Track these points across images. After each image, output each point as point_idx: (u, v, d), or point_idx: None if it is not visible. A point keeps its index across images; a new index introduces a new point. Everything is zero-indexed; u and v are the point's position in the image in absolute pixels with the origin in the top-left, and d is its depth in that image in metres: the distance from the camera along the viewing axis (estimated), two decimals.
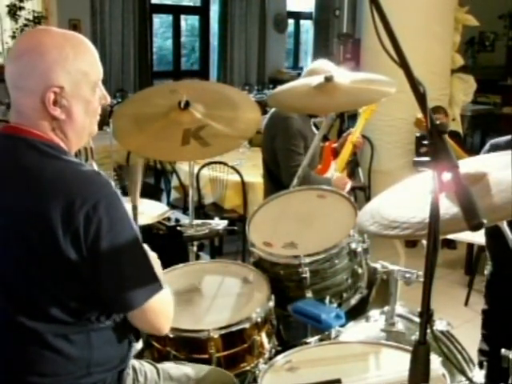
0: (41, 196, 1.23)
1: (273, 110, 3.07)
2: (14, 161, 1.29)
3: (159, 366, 1.59)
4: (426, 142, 2.14)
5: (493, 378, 1.62)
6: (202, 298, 1.97)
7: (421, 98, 0.97)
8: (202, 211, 4.31)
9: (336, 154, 3.12)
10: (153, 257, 1.55)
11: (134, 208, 1.74)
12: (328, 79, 2.29)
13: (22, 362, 1.31)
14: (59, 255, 1.23)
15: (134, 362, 1.55)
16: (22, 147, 1.28)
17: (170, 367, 1.61)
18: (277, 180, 2.98)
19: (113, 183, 1.32)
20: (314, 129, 3.11)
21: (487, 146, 2.12)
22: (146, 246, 1.55)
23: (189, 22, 9.74)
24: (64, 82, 1.27)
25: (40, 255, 1.24)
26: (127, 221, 1.29)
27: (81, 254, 1.23)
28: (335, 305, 1.99)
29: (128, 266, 1.29)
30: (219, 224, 2.49)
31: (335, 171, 3.01)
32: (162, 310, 1.37)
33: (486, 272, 2.21)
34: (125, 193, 2.70)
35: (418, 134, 1.94)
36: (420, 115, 1.93)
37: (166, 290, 1.40)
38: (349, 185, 2.94)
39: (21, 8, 7.03)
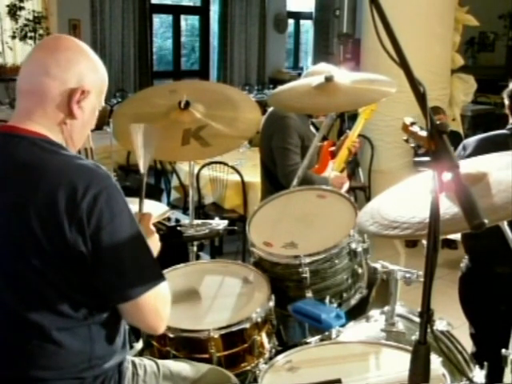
0: (44, 190, 1.25)
1: (271, 109, 3.07)
2: (13, 158, 1.30)
3: (159, 361, 1.60)
4: (412, 145, 2.17)
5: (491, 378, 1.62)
6: (202, 297, 1.97)
7: (421, 97, 0.97)
8: (202, 211, 4.30)
9: (334, 153, 3.11)
10: (154, 240, 1.55)
11: (140, 200, 1.70)
12: (328, 79, 2.29)
13: (24, 356, 1.32)
14: (66, 247, 1.24)
15: (133, 358, 1.56)
16: (23, 145, 1.30)
17: (169, 363, 1.62)
18: (274, 179, 2.97)
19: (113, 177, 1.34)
20: (312, 129, 3.10)
21: (460, 146, 2.18)
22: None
23: (189, 22, 9.75)
24: (92, 88, 1.37)
25: (44, 247, 1.25)
26: (128, 213, 1.31)
27: (86, 244, 1.25)
28: (335, 305, 1.98)
29: (128, 257, 1.30)
30: (219, 224, 2.49)
31: (333, 170, 3.00)
32: (157, 308, 1.37)
33: (461, 265, 2.23)
34: (125, 193, 2.70)
35: (404, 138, 1.96)
36: (406, 120, 1.94)
37: (166, 290, 1.40)
38: (346, 184, 2.92)
39: (21, 8, 7.04)
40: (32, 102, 1.33)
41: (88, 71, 1.36)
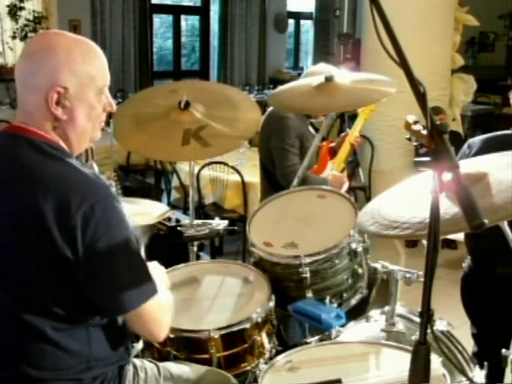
0: (38, 195, 1.24)
1: (270, 109, 3.07)
2: (16, 160, 1.30)
3: (160, 364, 1.60)
4: (415, 143, 2.16)
5: (491, 379, 1.62)
6: (202, 298, 1.97)
7: (421, 98, 0.97)
8: (203, 211, 4.30)
9: (333, 154, 3.11)
10: (161, 271, 1.56)
11: None
12: (328, 79, 2.29)
13: (21, 356, 1.32)
14: (56, 254, 1.24)
15: (134, 360, 1.56)
16: (24, 146, 1.30)
17: (170, 366, 1.61)
18: (273, 179, 2.97)
19: (113, 184, 1.33)
20: (311, 129, 3.10)
21: (465, 145, 2.18)
22: (155, 263, 1.56)
23: (189, 22, 9.74)
24: (69, 83, 1.29)
25: (37, 253, 1.25)
26: (125, 224, 1.30)
27: (77, 255, 1.24)
28: (335, 305, 1.98)
29: (123, 269, 1.29)
30: (219, 224, 2.49)
31: (331, 171, 2.99)
32: (156, 316, 1.36)
33: (464, 265, 2.23)
34: (125, 193, 2.70)
35: (407, 136, 1.96)
36: (409, 118, 1.94)
37: (165, 298, 1.40)
38: (346, 185, 2.91)
39: (21, 8, 7.03)
40: (27, 109, 1.32)
41: (60, 67, 1.27)
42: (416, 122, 2.01)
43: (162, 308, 1.38)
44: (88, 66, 1.31)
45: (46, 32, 1.40)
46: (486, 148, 2.04)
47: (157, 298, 1.34)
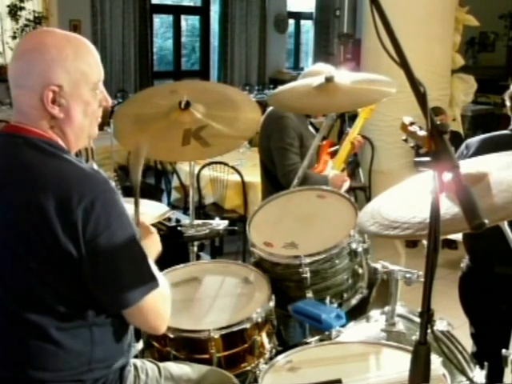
0: (38, 192, 1.24)
1: (269, 109, 3.07)
2: (14, 159, 1.30)
3: (161, 364, 1.60)
4: (411, 145, 2.16)
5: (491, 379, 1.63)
6: (202, 298, 1.96)
7: (421, 98, 0.97)
8: (203, 211, 4.31)
9: (334, 153, 3.11)
10: (155, 241, 1.55)
11: (136, 203, 1.70)
12: (328, 79, 2.29)
13: (23, 356, 1.31)
14: (59, 249, 1.24)
15: (135, 361, 1.55)
16: (23, 145, 1.30)
17: (171, 366, 1.61)
18: (274, 179, 2.97)
19: (112, 182, 1.33)
20: (311, 129, 3.10)
21: (463, 146, 2.18)
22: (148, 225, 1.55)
23: (189, 22, 9.75)
24: (63, 81, 1.28)
25: (39, 250, 1.25)
26: (125, 218, 1.30)
27: (79, 250, 1.24)
28: (336, 305, 1.98)
29: (125, 263, 1.29)
30: (220, 224, 2.49)
31: (332, 169, 2.99)
32: (157, 309, 1.37)
33: (462, 265, 2.23)
34: (125, 193, 2.70)
35: (403, 138, 1.96)
36: (405, 120, 1.93)
37: (164, 289, 1.40)
38: (347, 183, 2.91)
39: (21, 8, 7.04)
40: (23, 109, 1.32)
41: (53, 65, 1.27)
42: (412, 124, 2.01)
43: (162, 299, 1.39)
44: (81, 63, 1.30)
45: (37, 31, 1.39)
46: (483, 148, 2.04)
47: (159, 289, 1.34)
